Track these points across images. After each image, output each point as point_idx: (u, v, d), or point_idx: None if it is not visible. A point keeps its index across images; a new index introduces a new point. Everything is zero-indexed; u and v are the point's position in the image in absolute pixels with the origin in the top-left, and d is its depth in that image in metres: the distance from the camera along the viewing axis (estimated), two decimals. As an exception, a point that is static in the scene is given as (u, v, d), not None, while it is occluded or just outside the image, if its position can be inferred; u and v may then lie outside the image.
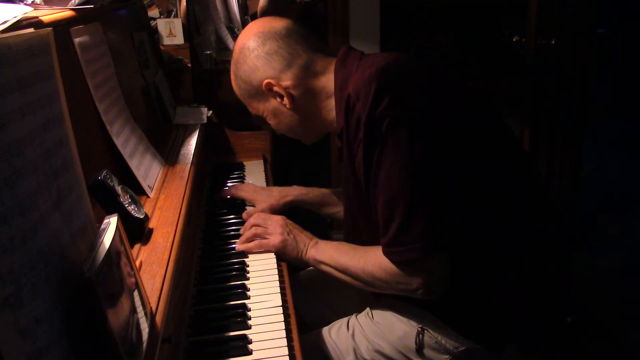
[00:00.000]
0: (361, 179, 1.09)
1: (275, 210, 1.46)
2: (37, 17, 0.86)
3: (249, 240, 1.31)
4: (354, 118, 1.05)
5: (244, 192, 1.54)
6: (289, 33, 1.22)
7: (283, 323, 1.06)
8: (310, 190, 1.53)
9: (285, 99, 1.21)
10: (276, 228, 1.30)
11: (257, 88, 1.23)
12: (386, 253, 1.07)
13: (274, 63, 1.20)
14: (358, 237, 1.22)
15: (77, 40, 1.09)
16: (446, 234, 1.03)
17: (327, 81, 1.20)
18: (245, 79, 1.24)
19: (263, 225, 1.32)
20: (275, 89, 1.20)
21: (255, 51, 1.21)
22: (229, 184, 1.71)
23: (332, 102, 1.19)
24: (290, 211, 1.48)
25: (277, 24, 1.23)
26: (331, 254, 1.22)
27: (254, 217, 1.35)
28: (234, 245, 1.34)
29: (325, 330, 1.29)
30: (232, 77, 1.28)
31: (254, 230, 1.31)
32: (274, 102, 1.23)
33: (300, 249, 1.26)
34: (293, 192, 1.51)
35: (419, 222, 1.01)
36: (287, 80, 1.20)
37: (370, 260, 1.13)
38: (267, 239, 1.29)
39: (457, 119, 1.07)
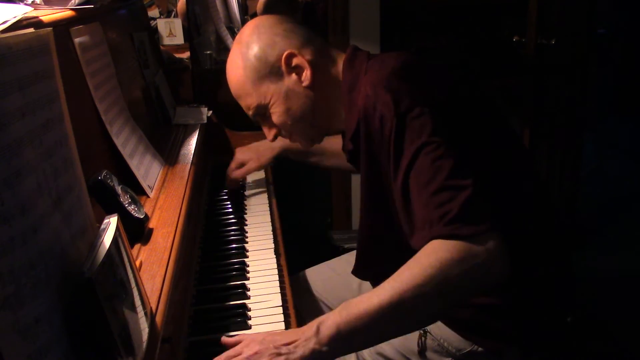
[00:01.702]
0: (392, 174, 1.01)
1: (264, 165, 1.63)
2: (37, 17, 0.86)
3: None
4: (377, 117, 1.02)
5: (236, 160, 1.64)
6: (298, 22, 1.22)
7: (283, 323, 1.06)
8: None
9: (306, 71, 1.16)
10: (265, 356, 0.89)
11: (273, 64, 1.17)
12: (461, 228, 0.90)
13: (293, 39, 1.18)
14: (376, 233, 1.19)
15: (77, 40, 1.09)
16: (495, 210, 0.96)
17: (339, 70, 1.19)
18: (260, 55, 1.17)
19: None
20: (296, 60, 1.16)
21: (273, 29, 1.19)
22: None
23: (340, 97, 1.18)
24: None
25: (287, 16, 1.24)
26: (357, 313, 0.88)
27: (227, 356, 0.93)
28: (234, 245, 1.34)
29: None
30: (238, 61, 1.20)
31: None
32: (288, 81, 1.17)
33: (310, 350, 0.88)
34: (278, 143, 1.51)
35: (483, 192, 0.95)
36: (307, 55, 1.17)
37: (429, 258, 0.90)
38: None
39: (466, 113, 1.08)
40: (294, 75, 1.17)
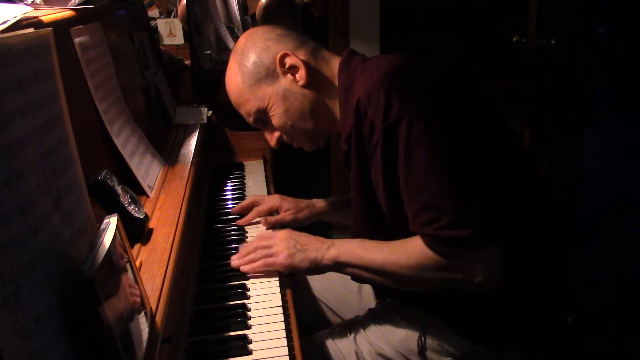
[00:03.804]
0: (379, 182, 1.06)
1: (298, 222, 1.44)
2: (37, 17, 0.86)
3: (253, 261, 1.20)
4: (367, 123, 1.04)
5: (268, 203, 1.46)
6: (291, 29, 1.25)
7: (283, 323, 1.06)
8: (333, 206, 1.47)
9: (300, 70, 1.18)
10: (280, 244, 1.18)
11: (269, 67, 1.20)
12: (445, 244, 1.00)
13: (286, 42, 1.21)
14: (369, 237, 1.19)
15: (77, 40, 1.09)
16: (490, 218, 1.01)
17: (333, 72, 1.20)
18: (255, 60, 1.21)
19: (266, 246, 1.20)
20: (290, 60, 1.18)
21: (266, 35, 1.23)
22: (229, 184, 1.71)
23: (336, 98, 1.19)
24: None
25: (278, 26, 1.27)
26: (358, 254, 1.12)
27: (257, 240, 1.24)
28: (234, 245, 1.34)
29: (326, 332, 1.28)
30: (235, 69, 1.23)
31: (258, 252, 1.20)
32: (284, 82, 1.20)
33: (312, 257, 1.15)
34: (318, 207, 1.47)
35: (469, 211, 0.99)
36: (301, 55, 1.20)
37: (413, 253, 1.04)
38: (272, 257, 1.18)
39: (464, 114, 1.08)
40: (289, 76, 1.20)
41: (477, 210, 0.99)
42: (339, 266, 1.15)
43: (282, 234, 1.21)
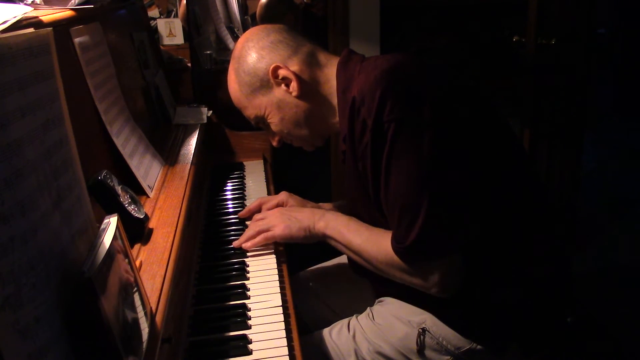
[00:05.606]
0: (369, 182, 1.09)
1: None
2: (37, 17, 0.86)
3: (252, 237, 1.29)
4: (359, 121, 1.05)
5: (275, 199, 1.44)
6: (289, 29, 1.27)
7: (283, 323, 1.06)
8: (340, 211, 1.41)
9: (292, 83, 1.20)
10: (275, 218, 1.28)
11: (262, 78, 1.22)
12: (407, 254, 1.06)
13: (280, 50, 1.22)
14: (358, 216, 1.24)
15: (77, 40, 1.09)
16: (462, 232, 1.04)
17: (331, 75, 1.21)
18: (249, 70, 1.23)
19: (261, 220, 1.30)
20: (282, 72, 1.20)
21: (260, 42, 1.24)
22: (229, 184, 1.71)
23: (335, 100, 1.20)
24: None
25: (277, 25, 1.28)
26: (341, 231, 1.19)
27: (252, 224, 1.32)
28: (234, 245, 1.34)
29: (326, 331, 1.28)
30: (233, 76, 1.27)
31: (254, 227, 1.29)
32: (278, 93, 1.22)
33: (305, 225, 1.24)
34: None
35: (439, 223, 1.02)
36: (293, 66, 1.21)
37: (383, 250, 1.11)
38: (270, 231, 1.27)
39: (461, 117, 1.07)
40: (283, 86, 1.22)
41: (447, 223, 1.03)
42: (325, 237, 1.23)
43: (274, 210, 1.32)
